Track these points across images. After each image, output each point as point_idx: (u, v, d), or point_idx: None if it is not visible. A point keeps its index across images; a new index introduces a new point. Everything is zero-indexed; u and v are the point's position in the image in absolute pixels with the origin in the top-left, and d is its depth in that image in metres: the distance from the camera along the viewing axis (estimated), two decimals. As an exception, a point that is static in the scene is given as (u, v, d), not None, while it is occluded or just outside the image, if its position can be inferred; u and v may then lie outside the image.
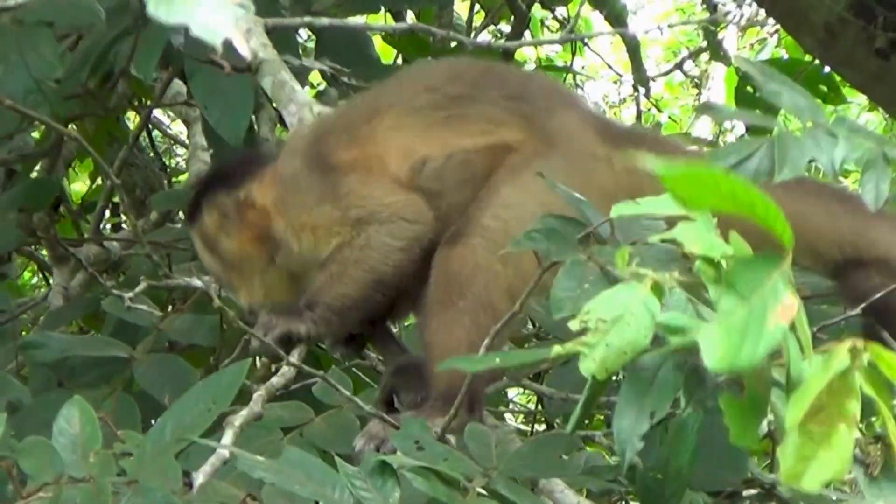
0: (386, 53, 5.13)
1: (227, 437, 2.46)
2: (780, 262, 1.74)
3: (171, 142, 5.80)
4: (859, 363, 1.74)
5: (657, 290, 1.89)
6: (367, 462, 2.18)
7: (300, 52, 3.67)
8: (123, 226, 4.95)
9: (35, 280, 5.70)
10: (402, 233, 2.65)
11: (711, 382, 1.98)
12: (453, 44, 4.37)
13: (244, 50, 1.98)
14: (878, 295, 2.39)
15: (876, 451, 2.00)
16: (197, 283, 3.10)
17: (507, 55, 4.58)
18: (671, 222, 1.89)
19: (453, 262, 2.57)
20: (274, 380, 2.64)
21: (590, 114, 2.85)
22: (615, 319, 1.88)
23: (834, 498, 3.01)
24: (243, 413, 2.50)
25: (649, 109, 5.68)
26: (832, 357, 1.74)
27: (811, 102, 2.40)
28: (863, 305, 2.37)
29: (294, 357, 2.64)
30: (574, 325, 1.90)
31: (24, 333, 3.98)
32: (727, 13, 5.43)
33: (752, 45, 6.06)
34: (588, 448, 3.55)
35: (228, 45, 3.24)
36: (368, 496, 2.13)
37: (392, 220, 2.65)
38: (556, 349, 1.92)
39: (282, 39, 3.37)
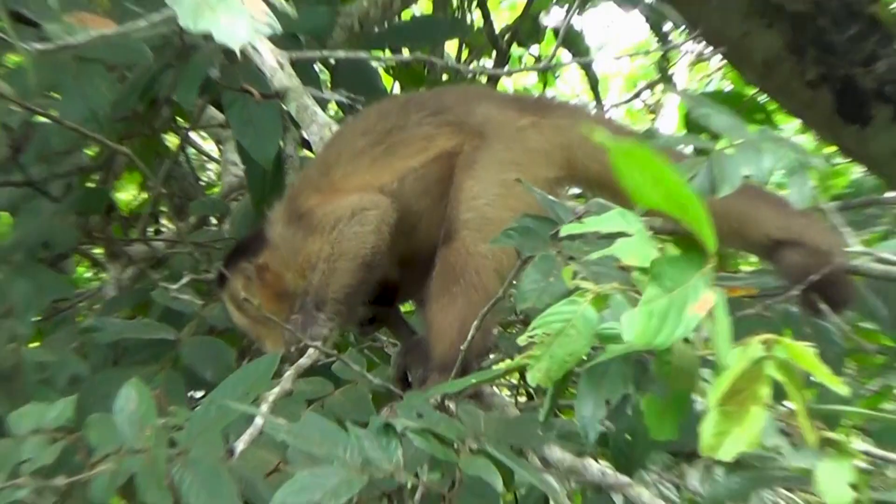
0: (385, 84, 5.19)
1: (262, 409, 2.48)
2: (703, 264, 1.77)
3: (205, 158, 5.84)
4: (771, 354, 1.78)
5: (598, 302, 1.92)
6: (373, 425, 2.22)
7: (320, 85, 3.71)
8: (163, 229, 4.99)
9: (88, 274, 5.71)
10: (367, 219, 2.70)
11: (654, 374, 1.97)
12: (444, 76, 4.43)
13: (267, 55, 2.06)
14: (814, 277, 2.43)
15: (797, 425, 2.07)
16: (232, 276, 3.14)
17: (492, 83, 4.65)
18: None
19: (450, 256, 2.62)
20: (302, 360, 2.68)
21: (502, 97, 2.93)
22: (557, 333, 1.91)
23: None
24: (276, 390, 2.54)
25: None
26: (747, 348, 1.78)
27: (737, 122, 2.45)
28: (802, 286, 2.40)
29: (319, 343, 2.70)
30: (521, 341, 1.94)
31: (79, 319, 4.02)
32: (680, 45, 5.47)
33: (700, 78, 6.10)
34: (563, 416, 3.62)
35: (258, 77, 3.32)
36: (375, 455, 2.17)
37: (355, 213, 2.70)
38: (505, 364, 1.99)
39: (303, 71, 3.41)
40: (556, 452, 2.48)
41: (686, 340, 1.87)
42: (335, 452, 2.17)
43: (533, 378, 1.92)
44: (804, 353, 1.77)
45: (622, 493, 2.49)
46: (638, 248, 1.81)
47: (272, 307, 2.78)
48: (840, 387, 1.77)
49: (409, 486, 2.21)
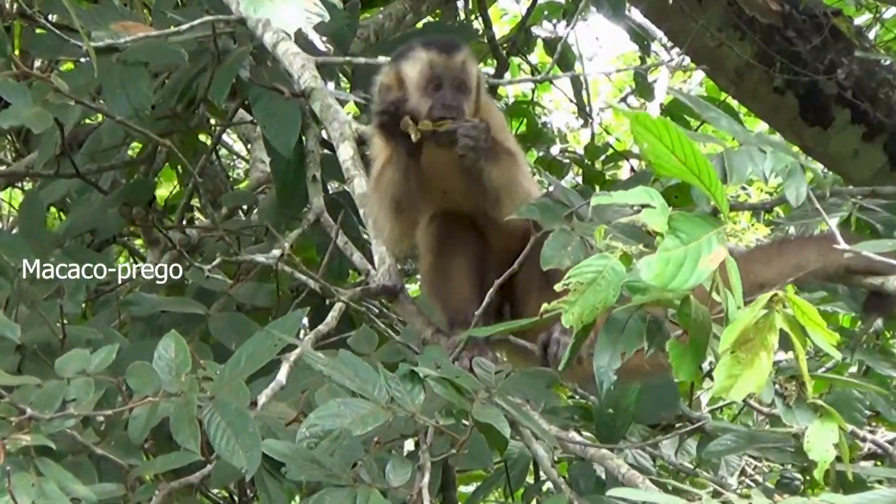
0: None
1: (284, 369, 2.48)
2: (717, 224, 1.78)
3: (234, 157, 5.78)
4: (778, 307, 1.78)
5: (626, 258, 1.93)
6: (400, 370, 2.24)
7: (341, 86, 3.66)
8: (196, 220, 4.90)
9: (126, 264, 5.62)
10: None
11: (667, 331, 2.01)
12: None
13: (315, 39, 2.05)
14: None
15: (792, 387, 2.04)
16: (260, 258, 3.08)
17: (493, 90, 4.60)
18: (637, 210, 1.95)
19: None
20: (320, 327, 2.68)
21: None
22: (590, 282, 1.93)
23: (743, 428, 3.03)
24: (296, 352, 2.52)
25: (601, 133, 5.66)
26: (757, 302, 1.79)
27: (741, 126, 2.48)
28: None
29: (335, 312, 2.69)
30: (558, 287, 1.97)
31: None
32: (661, 62, 5.45)
33: (678, 85, 6.07)
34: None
35: (285, 78, 3.25)
36: (399, 395, 2.20)
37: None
38: (544, 306, 1.99)
39: (327, 74, 3.38)
40: (543, 424, 2.48)
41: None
42: (365, 388, 2.21)
43: (567, 320, 1.93)
44: (809, 310, 1.77)
45: (602, 464, 2.50)
46: (660, 216, 1.83)
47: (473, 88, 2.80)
48: (833, 343, 1.76)
49: (429, 430, 2.21)
